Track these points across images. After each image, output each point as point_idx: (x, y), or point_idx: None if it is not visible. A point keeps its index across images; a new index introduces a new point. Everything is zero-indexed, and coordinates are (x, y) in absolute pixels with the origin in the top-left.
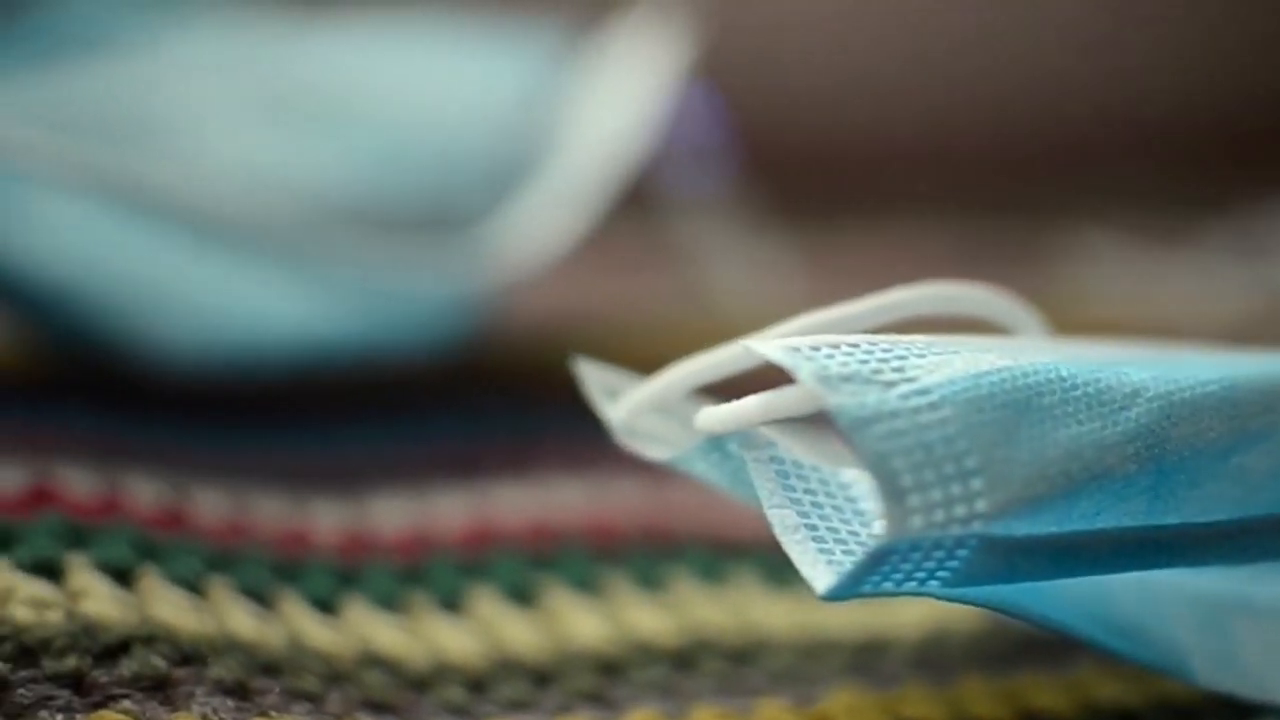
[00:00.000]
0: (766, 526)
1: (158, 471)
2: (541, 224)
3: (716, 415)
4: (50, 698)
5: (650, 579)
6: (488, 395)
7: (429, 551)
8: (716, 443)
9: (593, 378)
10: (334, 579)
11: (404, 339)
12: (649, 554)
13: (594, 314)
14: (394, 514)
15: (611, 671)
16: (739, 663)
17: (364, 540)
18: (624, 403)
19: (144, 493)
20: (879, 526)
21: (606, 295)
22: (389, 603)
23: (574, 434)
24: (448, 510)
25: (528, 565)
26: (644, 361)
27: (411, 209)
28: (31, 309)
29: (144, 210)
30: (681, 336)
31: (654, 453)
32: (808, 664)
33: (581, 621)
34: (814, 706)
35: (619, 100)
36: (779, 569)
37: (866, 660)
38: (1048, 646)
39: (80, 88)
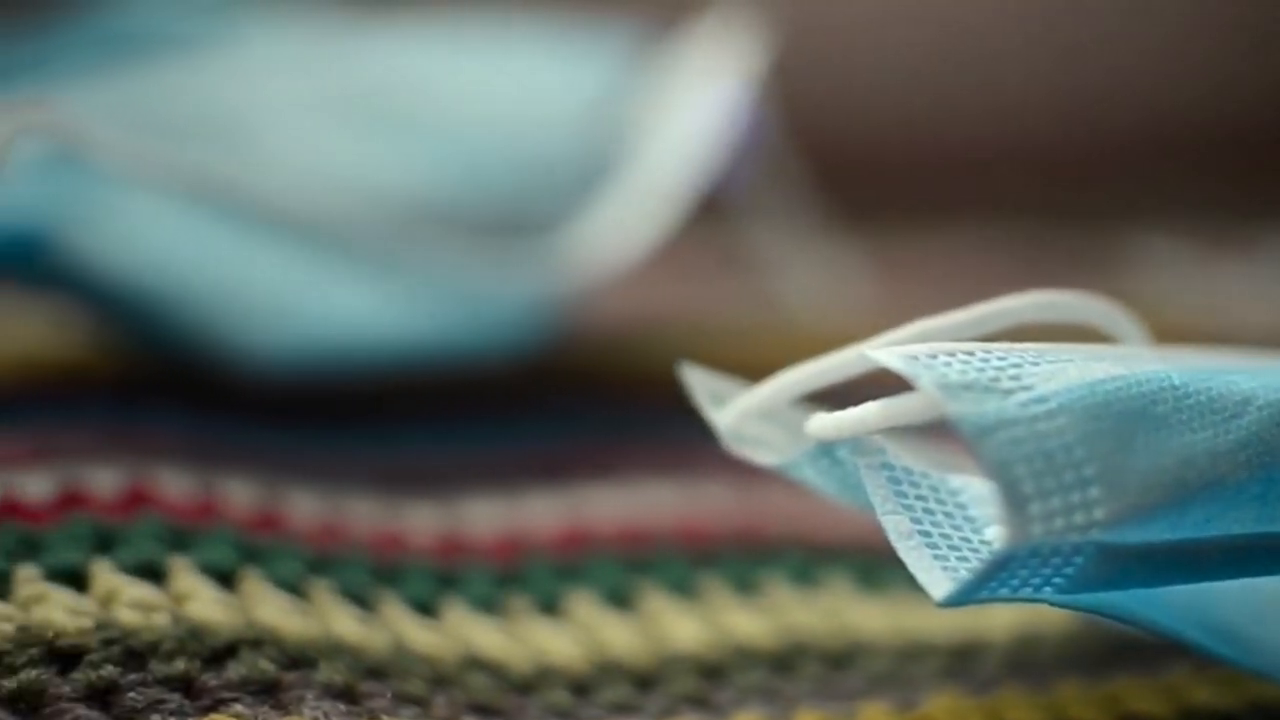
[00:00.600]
0: (857, 530)
1: (251, 473)
2: (620, 229)
3: (832, 421)
4: (161, 701)
5: (745, 582)
6: (569, 398)
7: (524, 555)
8: (826, 449)
9: (699, 383)
10: (432, 582)
11: (484, 342)
12: (742, 557)
13: (668, 318)
14: (486, 517)
15: (712, 675)
16: (837, 666)
17: (458, 543)
18: (731, 408)
19: (239, 495)
20: (992, 533)
21: (675, 300)
22: (488, 606)
23: (658, 437)
24: (539, 513)
25: (623, 569)
26: (722, 366)
27: (488, 211)
28: (118, 311)
29: (231, 212)
30: (758, 342)
31: (761, 458)
32: (904, 667)
33: (680, 625)
34: (915, 711)
35: (694, 104)
36: (871, 572)
37: (962, 663)
38: (1141, 649)
39: (154, 89)
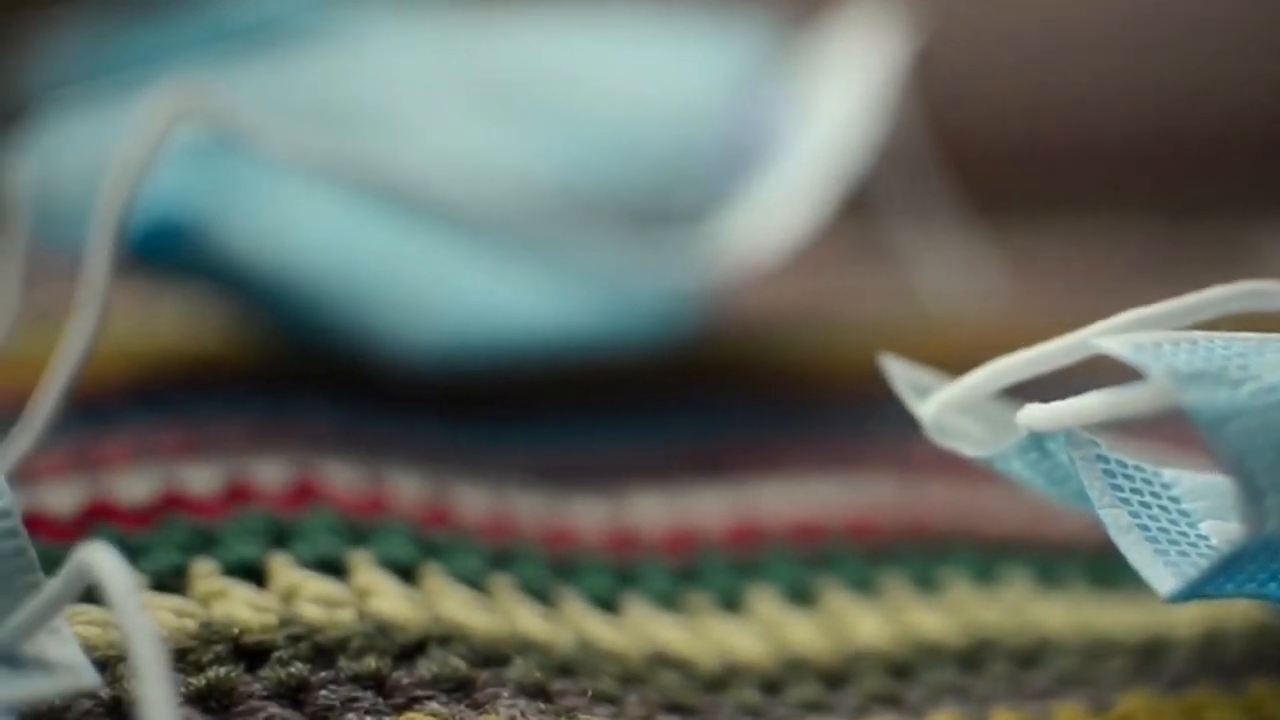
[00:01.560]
0: (1026, 524)
1: (414, 466)
2: (770, 221)
3: (1047, 412)
4: (354, 699)
5: (924, 578)
6: (721, 390)
7: (697, 550)
8: (1035, 441)
9: (899, 374)
10: (610, 577)
11: (634, 333)
12: (917, 553)
13: (810, 310)
14: (653, 511)
15: (902, 673)
16: (1024, 664)
17: (629, 538)
18: (934, 399)
19: (407, 488)
20: (1209, 527)
21: (813, 292)
22: (668, 602)
23: (816, 430)
24: (707, 507)
25: (800, 564)
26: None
27: (629, 200)
28: (269, 300)
29: (385, 200)
30: (905, 334)
31: (968, 450)
32: (1092, 665)
33: (863, 621)
34: (1111, 711)
35: (841, 96)
36: (1049, 567)
37: (1150, 661)
38: None
39: (293, 76)
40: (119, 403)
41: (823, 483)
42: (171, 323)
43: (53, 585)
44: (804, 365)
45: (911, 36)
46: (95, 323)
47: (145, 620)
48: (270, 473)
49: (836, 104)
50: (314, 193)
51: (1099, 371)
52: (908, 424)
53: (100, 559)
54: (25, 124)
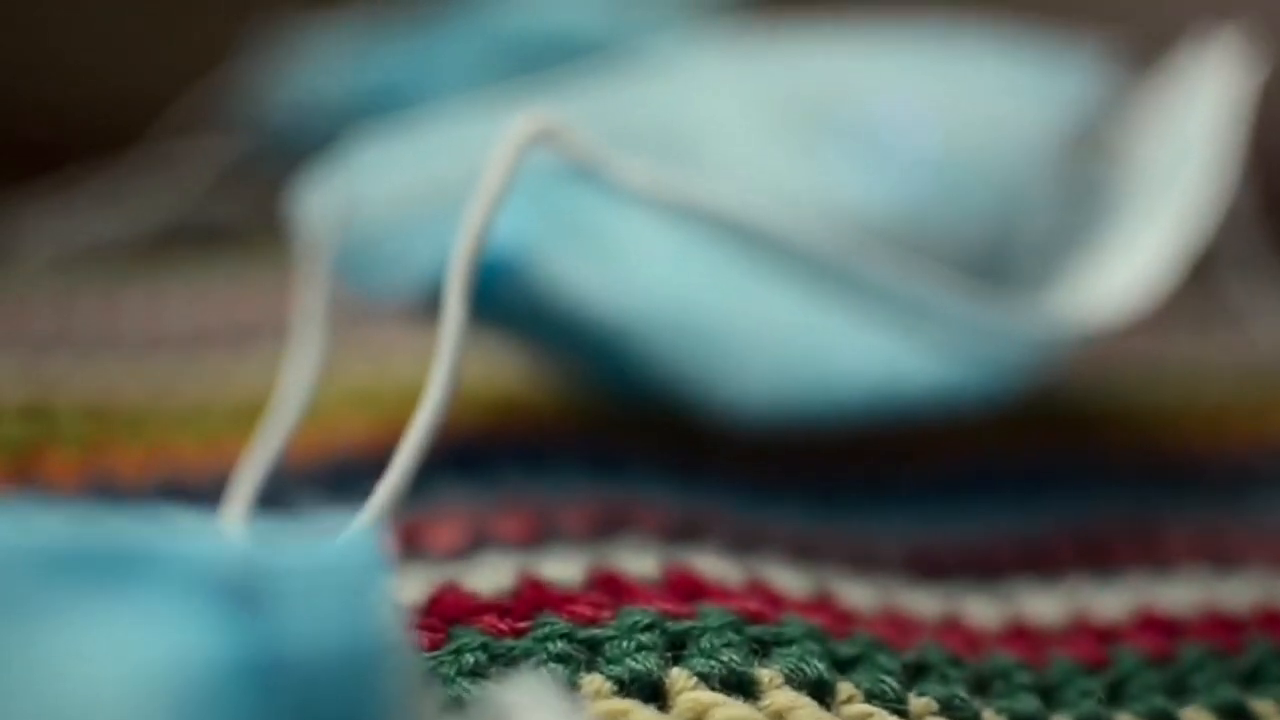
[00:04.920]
0: None
1: (784, 552)
2: (1125, 277)
3: None
4: None
5: None
6: (1082, 458)
7: (1108, 655)
8: None
9: None
10: (1033, 693)
11: (978, 391)
12: None
13: (1157, 370)
14: (1048, 608)
15: None
16: None
17: (1035, 641)
18: None
19: (787, 581)
20: None
21: (1144, 349)
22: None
23: (1198, 507)
24: (1108, 604)
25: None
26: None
27: (966, 241)
28: (600, 346)
29: (732, 240)
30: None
31: None
32: None
33: None
34: None
35: (1195, 140)
36: None
37: None
38: None
39: (601, 100)
40: (437, 466)
41: (1228, 577)
42: (487, 369)
43: None
44: (1165, 429)
45: (1253, 75)
46: (451, 377)
47: None
48: (638, 565)
49: (1193, 147)
50: (655, 232)
51: None
52: None
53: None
54: (308, 150)
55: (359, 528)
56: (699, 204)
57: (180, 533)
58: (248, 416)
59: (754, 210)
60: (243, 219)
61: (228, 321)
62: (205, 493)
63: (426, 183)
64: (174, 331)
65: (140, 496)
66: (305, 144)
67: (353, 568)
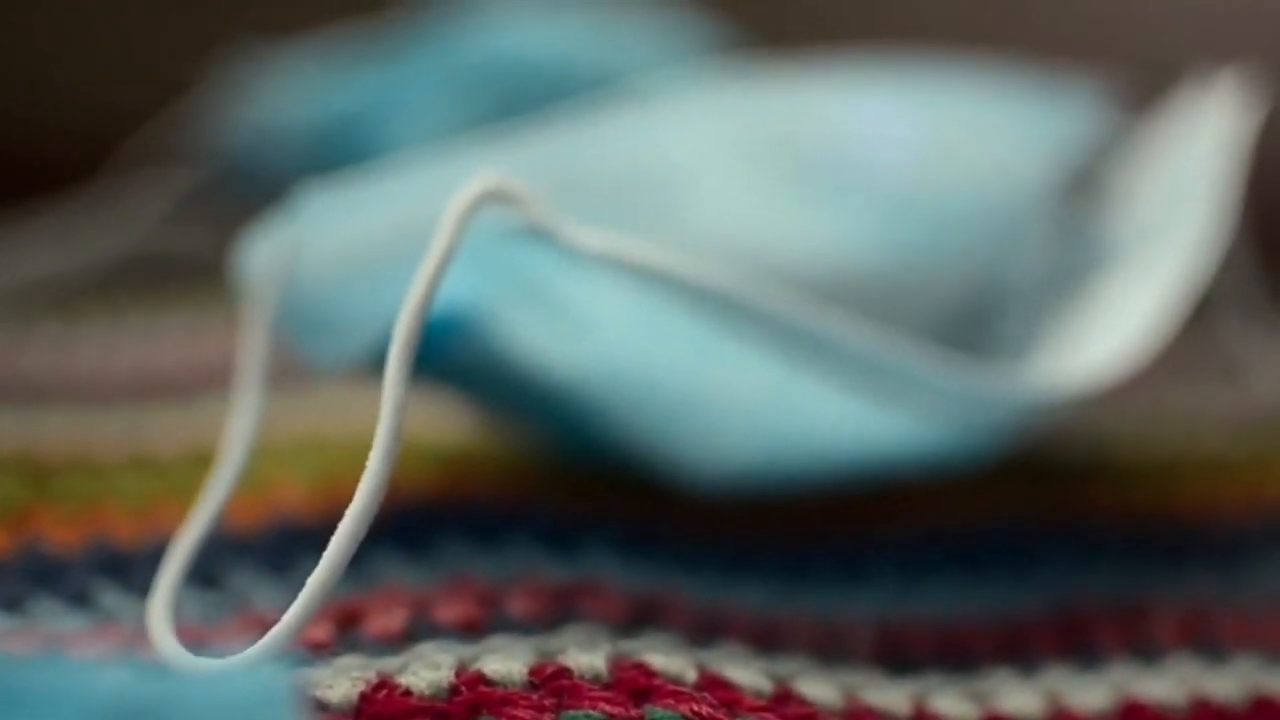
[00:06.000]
0: None
1: (745, 645)
2: (1122, 331)
3: None
4: None
5: None
6: (1060, 529)
7: None
8: None
9: None
10: None
11: (955, 456)
12: None
13: (1147, 422)
14: (1025, 703)
15: None
16: None
17: None
18: None
19: (745, 675)
20: None
21: (1144, 400)
22: None
23: (1186, 584)
24: (1086, 699)
25: None
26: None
27: (954, 284)
28: (551, 410)
29: (693, 302)
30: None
31: None
32: None
33: None
34: None
35: (1192, 183)
36: None
37: None
38: None
39: (571, 140)
40: (382, 536)
41: (1218, 665)
42: (433, 433)
43: None
44: (1156, 490)
45: (1250, 116)
46: (390, 457)
47: None
48: (586, 659)
49: (1187, 192)
50: (615, 294)
51: None
52: None
53: None
54: (271, 181)
55: (269, 658)
56: (653, 267)
57: (70, 670)
58: (187, 478)
59: (710, 273)
60: (203, 252)
61: (180, 367)
62: (140, 562)
63: (374, 240)
64: (124, 379)
65: (70, 565)
66: (268, 175)
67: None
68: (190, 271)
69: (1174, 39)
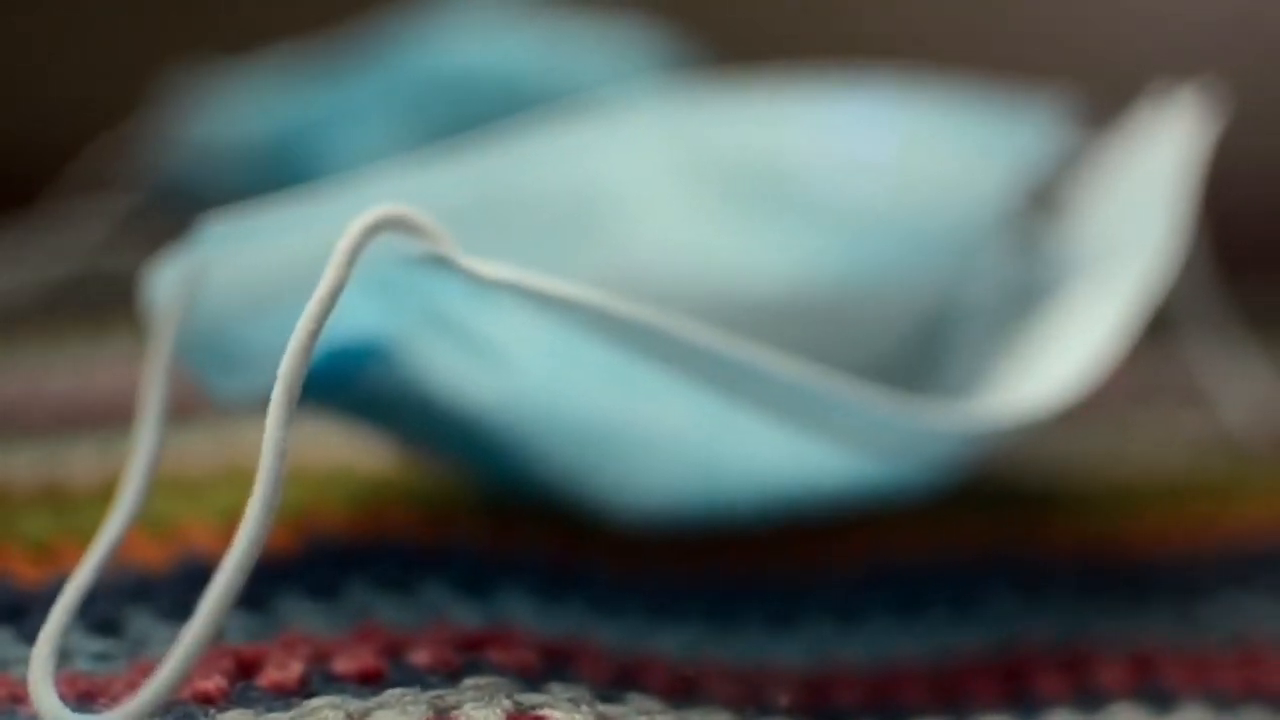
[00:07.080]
0: None
1: (660, 691)
2: (1079, 353)
3: None
4: None
5: None
6: (1004, 566)
7: None
8: None
9: None
10: None
11: (897, 487)
12: None
13: (1104, 443)
14: None
15: None
16: None
17: None
18: None
19: None
20: None
21: (1101, 420)
22: None
23: (1136, 623)
24: None
25: None
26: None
27: (908, 301)
28: (465, 444)
29: (612, 335)
30: (1217, 483)
31: None
32: None
33: None
34: None
35: (1151, 198)
36: None
37: None
38: None
39: (502, 160)
40: (286, 584)
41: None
42: (337, 466)
43: None
44: (1109, 519)
45: (1213, 128)
46: (268, 510)
47: None
48: (482, 717)
49: (1145, 207)
50: (532, 325)
51: None
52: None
53: None
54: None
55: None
56: (553, 297)
57: None
58: (98, 515)
59: (615, 304)
60: (145, 275)
61: (115, 394)
62: (40, 605)
63: (274, 271)
64: (53, 407)
65: None
66: (212, 195)
67: None
68: (131, 296)
69: (1132, 54)
